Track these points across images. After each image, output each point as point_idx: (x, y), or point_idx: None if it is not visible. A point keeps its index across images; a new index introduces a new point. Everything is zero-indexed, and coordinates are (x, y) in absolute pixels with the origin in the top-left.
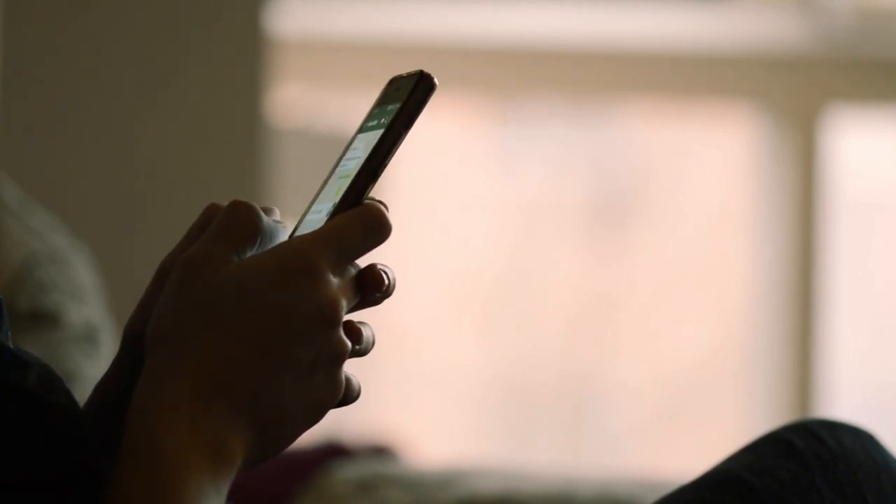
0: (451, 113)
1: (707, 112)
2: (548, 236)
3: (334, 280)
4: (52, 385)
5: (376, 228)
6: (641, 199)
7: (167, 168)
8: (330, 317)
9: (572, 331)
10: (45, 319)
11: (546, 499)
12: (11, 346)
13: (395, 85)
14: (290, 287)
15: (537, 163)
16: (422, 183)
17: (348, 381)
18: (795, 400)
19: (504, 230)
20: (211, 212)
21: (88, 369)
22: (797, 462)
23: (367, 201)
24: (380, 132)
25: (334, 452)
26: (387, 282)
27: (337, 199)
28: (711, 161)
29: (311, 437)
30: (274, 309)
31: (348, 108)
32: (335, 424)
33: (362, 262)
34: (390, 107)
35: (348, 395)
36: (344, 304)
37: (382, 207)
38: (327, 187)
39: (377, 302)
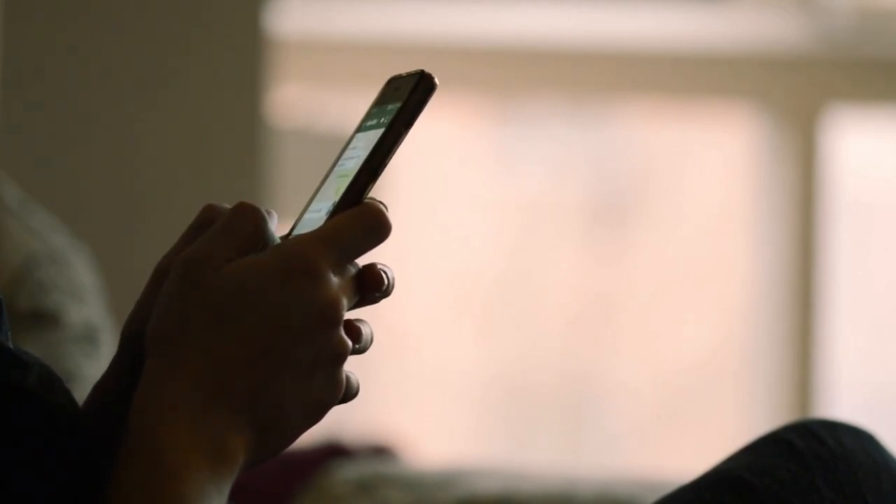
0: (452, 113)
1: (707, 112)
2: (548, 236)
3: (335, 280)
4: (52, 385)
5: (376, 228)
6: (641, 199)
7: (167, 168)
8: (330, 316)
9: (572, 331)
10: (45, 319)
11: (546, 499)
12: (11, 346)
13: (394, 84)
14: (291, 286)
15: (537, 163)
16: (422, 183)
17: (347, 379)
18: (795, 400)
19: (504, 230)
20: (208, 213)
21: (88, 369)
22: (797, 462)
23: (366, 200)
24: (380, 131)
25: (334, 452)
26: (386, 281)
27: (336, 198)
28: (711, 161)
29: (311, 437)
30: (274, 308)
31: (348, 108)
32: (335, 424)
33: (361, 261)
34: (390, 106)
35: (347, 393)
36: (344, 303)
37: (382, 207)
38: (326, 186)
39: (376, 301)
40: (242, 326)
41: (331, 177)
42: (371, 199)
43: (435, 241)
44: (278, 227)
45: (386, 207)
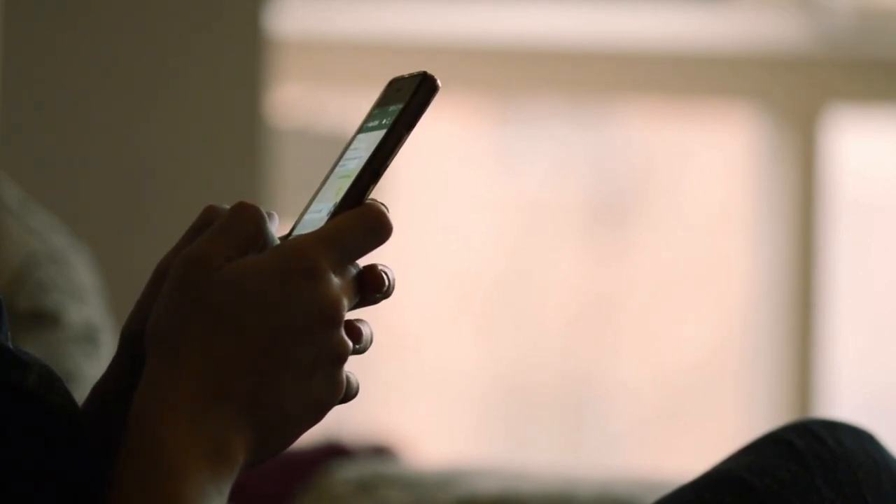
0: (452, 113)
1: (707, 112)
2: (548, 236)
3: (335, 280)
4: (52, 385)
5: (377, 229)
6: (641, 199)
7: (167, 168)
8: (331, 317)
9: (572, 331)
10: (45, 319)
11: (546, 499)
12: (11, 346)
13: (396, 86)
14: (292, 287)
15: (537, 163)
16: (422, 183)
17: (347, 379)
18: (795, 400)
19: (504, 230)
20: (209, 214)
21: (88, 369)
22: (797, 462)
23: (368, 201)
24: (381, 133)
25: (334, 452)
26: (387, 282)
27: (337, 198)
28: (711, 161)
29: (311, 437)
30: (275, 308)
31: (348, 108)
32: (335, 424)
33: (362, 262)
34: (392, 107)
35: (347, 394)
36: (345, 304)
37: (384, 208)
38: (326, 187)
39: (376, 302)
40: (243, 326)
41: (332, 177)
42: (372, 200)
43: (435, 241)
44: (279, 228)
45: (387, 209)
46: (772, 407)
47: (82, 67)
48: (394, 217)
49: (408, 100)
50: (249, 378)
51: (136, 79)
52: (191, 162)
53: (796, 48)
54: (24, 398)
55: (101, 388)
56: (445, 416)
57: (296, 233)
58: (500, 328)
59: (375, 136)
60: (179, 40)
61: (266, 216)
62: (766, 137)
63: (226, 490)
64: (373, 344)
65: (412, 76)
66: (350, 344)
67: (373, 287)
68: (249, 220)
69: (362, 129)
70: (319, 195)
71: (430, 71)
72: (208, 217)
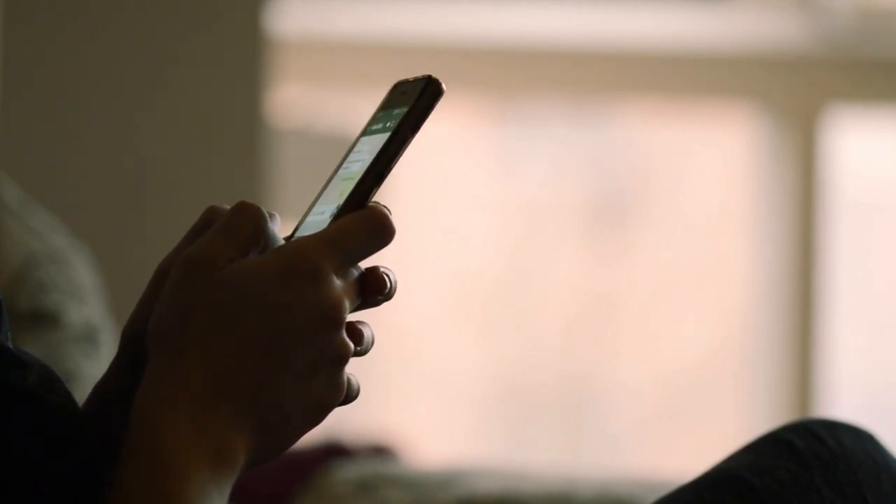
0: (452, 113)
1: (707, 112)
2: (548, 236)
3: (338, 282)
4: (52, 385)
5: (380, 231)
6: (641, 199)
7: (167, 168)
8: (333, 318)
9: (572, 331)
10: (45, 319)
11: (546, 499)
12: (11, 347)
13: (400, 89)
14: (294, 288)
15: (537, 163)
16: (422, 183)
17: (348, 380)
18: (795, 400)
19: (504, 230)
20: (210, 214)
21: (88, 369)
22: (797, 462)
23: (371, 204)
24: (385, 136)
25: (334, 452)
26: (389, 285)
27: (341, 201)
28: (711, 161)
29: (311, 437)
30: (277, 310)
31: (348, 108)
32: (335, 424)
33: (364, 264)
34: (396, 111)
35: (348, 395)
36: (347, 305)
37: (386, 211)
38: (330, 189)
39: (378, 304)
40: (244, 327)
41: (335, 180)
42: (375, 203)
43: (435, 241)
44: (280, 228)
45: (390, 212)
46: (772, 407)
47: (82, 67)
48: (394, 218)
49: (412, 103)
50: (250, 379)
51: (136, 79)
52: (191, 162)
53: (796, 48)
54: (24, 398)
55: (102, 388)
56: (445, 416)
57: (298, 234)
58: (500, 328)
59: (379, 139)
60: (179, 40)
61: (267, 215)
62: (766, 137)
63: (226, 490)
64: (373, 346)
65: (417, 80)
66: (351, 345)
67: (374, 289)
68: (250, 219)
69: (366, 131)
70: (322, 197)
71: (434, 75)
72: (209, 217)
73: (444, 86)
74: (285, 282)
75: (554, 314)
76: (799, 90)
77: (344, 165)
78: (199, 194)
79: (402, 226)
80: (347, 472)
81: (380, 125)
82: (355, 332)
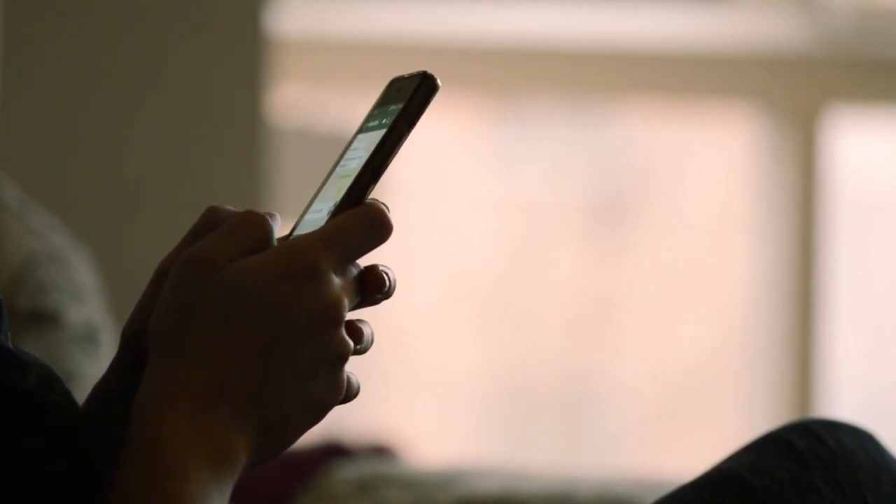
0: (452, 113)
1: (707, 112)
2: (548, 236)
3: (336, 280)
4: (52, 385)
5: (378, 228)
6: (641, 199)
7: (167, 168)
8: (332, 317)
9: (572, 331)
10: (45, 319)
11: (546, 499)
12: (11, 347)
13: (396, 85)
14: (293, 287)
15: (537, 163)
16: (422, 183)
17: (348, 379)
18: (795, 400)
19: (504, 230)
20: (210, 214)
21: (88, 369)
22: (797, 462)
23: (368, 201)
24: (382, 132)
25: (334, 452)
26: (388, 283)
27: (338, 198)
28: (711, 161)
29: (311, 437)
30: (276, 309)
31: (348, 108)
32: (335, 424)
33: (363, 262)
34: (392, 107)
35: (348, 394)
36: (346, 304)
37: (384, 207)
38: (327, 187)
39: (377, 302)
40: (244, 326)
41: (332, 177)
42: (373, 199)
43: (435, 241)
44: (280, 229)
45: (387, 208)
46: (772, 407)
47: (82, 67)
48: (394, 217)
49: (408, 99)
50: (250, 378)
51: (136, 79)
52: (191, 162)
53: (796, 48)
54: (24, 398)
55: (102, 388)
56: (445, 416)
57: (297, 233)
58: (500, 328)
59: (375, 136)
60: (179, 40)
61: (273, 226)
62: (766, 137)
63: (227, 490)
64: (373, 344)
65: (412, 76)
66: (351, 344)
67: (374, 287)
68: (257, 228)
69: (363, 129)
70: (320, 195)
71: (430, 70)
72: (210, 218)
73: (439, 81)
74: (284, 281)
75: (554, 314)
76: (799, 90)
77: (341, 163)
78: (199, 194)
79: (401, 225)
80: (347, 472)
81: (376, 122)
82: (355, 330)
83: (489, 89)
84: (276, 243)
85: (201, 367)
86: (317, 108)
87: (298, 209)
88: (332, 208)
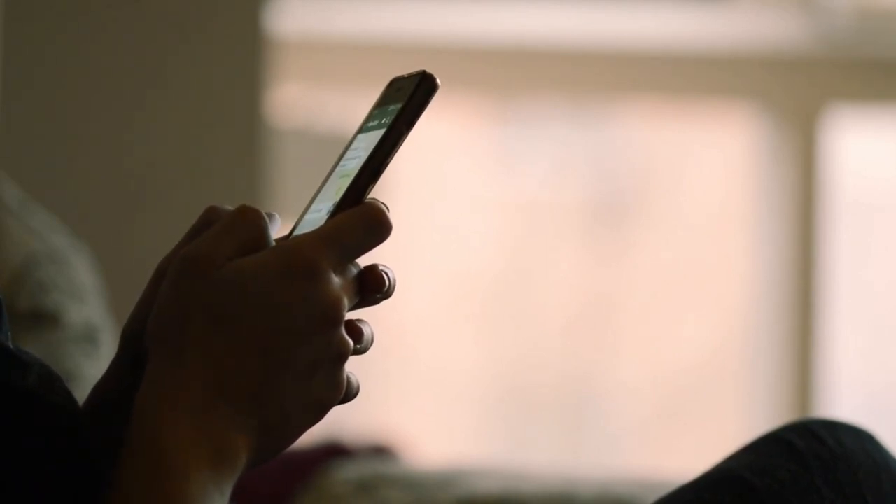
0: (452, 113)
1: (707, 112)
2: (548, 236)
3: (336, 279)
4: (52, 385)
5: (377, 227)
6: (641, 199)
7: (167, 168)
8: (332, 317)
9: (572, 331)
10: (45, 319)
11: (546, 499)
12: (11, 346)
13: (396, 85)
14: (293, 286)
15: (537, 163)
16: (421, 183)
17: (348, 379)
18: (795, 400)
19: (504, 230)
20: (210, 214)
21: (88, 369)
22: (797, 462)
23: (367, 200)
24: (381, 132)
25: (334, 452)
26: (387, 283)
27: (337, 198)
28: (711, 161)
29: (311, 437)
30: (276, 308)
31: (348, 108)
32: (335, 424)
33: (362, 262)
34: (392, 107)
35: (347, 394)
36: (346, 303)
37: (383, 207)
38: (327, 186)
39: (377, 302)
40: (243, 326)
41: (332, 177)
42: (372, 199)
43: (435, 241)
44: (280, 229)
45: (387, 207)
46: (772, 407)
47: (82, 67)
48: (393, 216)
49: (407, 99)
50: (250, 378)
51: (135, 79)
52: (191, 162)
53: (796, 48)
54: (24, 398)
55: (102, 388)
56: (445, 416)
57: (296, 233)
58: (499, 328)
59: (375, 136)
60: (179, 40)
61: (268, 221)
62: (766, 137)
63: (227, 490)
64: (373, 344)
65: (412, 76)
66: (351, 344)
67: (373, 287)
68: (251, 222)
69: (362, 128)
70: (320, 195)
71: (429, 70)
72: (209, 218)
73: (438, 81)
74: (284, 281)
75: (554, 314)
76: (799, 90)
77: (341, 163)
78: (199, 194)
79: (401, 225)
80: (347, 472)
81: (376, 122)
82: (355, 330)
83: (489, 89)
84: (271, 236)
85: (201, 367)
86: (317, 108)
87: (298, 209)
88: (332, 208)
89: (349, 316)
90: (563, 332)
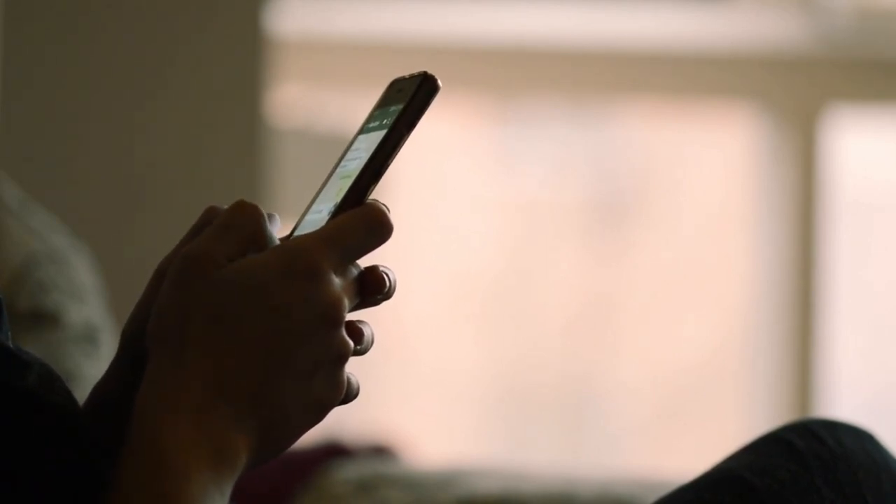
0: (452, 113)
1: (707, 112)
2: (548, 236)
3: (337, 280)
4: (52, 385)
5: (378, 228)
6: (641, 199)
7: (167, 168)
8: (332, 317)
9: (572, 331)
10: (45, 319)
11: (546, 499)
12: (11, 346)
13: (397, 86)
14: (294, 287)
15: (537, 163)
16: (422, 183)
17: (348, 379)
18: (795, 400)
19: (504, 230)
20: (210, 214)
21: (88, 369)
22: (797, 462)
23: (368, 201)
24: (382, 133)
25: (334, 452)
26: (388, 284)
27: (338, 199)
28: (711, 161)
29: (311, 437)
30: (276, 309)
31: (348, 108)
32: (335, 424)
33: (363, 262)
34: (393, 108)
35: (348, 394)
36: (346, 304)
37: (384, 208)
38: (328, 187)
39: (377, 303)
40: (244, 326)
41: (333, 178)
42: (373, 199)
43: (435, 241)
44: (280, 229)
45: (388, 208)
46: (772, 407)
47: (82, 67)
48: (394, 217)
49: (408, 100)
50: (250, 378)
51: (135, 79)
52: (191, 162)
53: (796, 48)
54: (24, 398)
55: (102, 388)
56: (445, 416)
57: (297, 233)
58: (500, 328)
59: (376, 137)
60: (179, 40)
61: (266, 215)
62: (766, 137)
63: (227, 490)
64: (373, 345)
65: (413, 77)
66: (351, 344)
67: (374, 288)
68: (249, 218)
69: (363, 129)
70: (321, 196)
71: (430, 71)
72: (209, 218)
73: (439, 82)
74: (285, 281)
75: (554, 314)
76: (799, 90)
77: (341, 164)
78: (199, 194)
79: (401, 226)
80: (347, 472)
81: (376, 123)
82: (355, 330)
83: (489, 89)
84: (270, 233)
85: (201, 367)
86: (317, 108)
87: (298, 209)
88: (333, 209)
89: (349, 317)
90: (563, 332)
